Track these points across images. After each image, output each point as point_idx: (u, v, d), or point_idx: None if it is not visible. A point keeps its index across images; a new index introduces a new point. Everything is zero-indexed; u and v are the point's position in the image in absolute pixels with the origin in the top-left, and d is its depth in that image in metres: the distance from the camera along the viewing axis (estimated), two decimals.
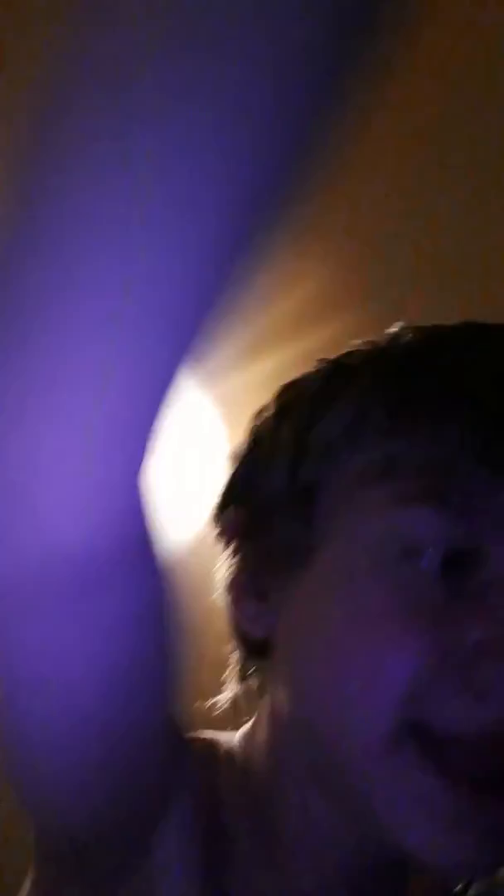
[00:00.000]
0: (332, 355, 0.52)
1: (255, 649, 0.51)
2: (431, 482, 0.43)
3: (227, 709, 0.55)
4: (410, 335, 0.49)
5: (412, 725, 0.42)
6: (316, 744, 0.46)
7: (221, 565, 0.53)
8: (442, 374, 0.45)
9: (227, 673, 0.55)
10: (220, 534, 0.53)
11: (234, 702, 0.54)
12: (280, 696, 0.49)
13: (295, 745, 0.48)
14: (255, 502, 0.50)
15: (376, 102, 0.28)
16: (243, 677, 0.53)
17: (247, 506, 0.51)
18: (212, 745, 0.53)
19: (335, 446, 0.46)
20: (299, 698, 0.47)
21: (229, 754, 0.52)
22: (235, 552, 0.52)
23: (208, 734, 0.54)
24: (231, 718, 0.55)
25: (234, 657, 0.54)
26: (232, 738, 0.54)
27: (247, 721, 0.54)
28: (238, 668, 0.53)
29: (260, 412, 0.52)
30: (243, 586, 0.51)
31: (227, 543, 0.53)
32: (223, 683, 0.55)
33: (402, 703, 0.42)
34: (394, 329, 0.50)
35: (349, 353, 0.51)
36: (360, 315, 1.22)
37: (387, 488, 0.44)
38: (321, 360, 0.51)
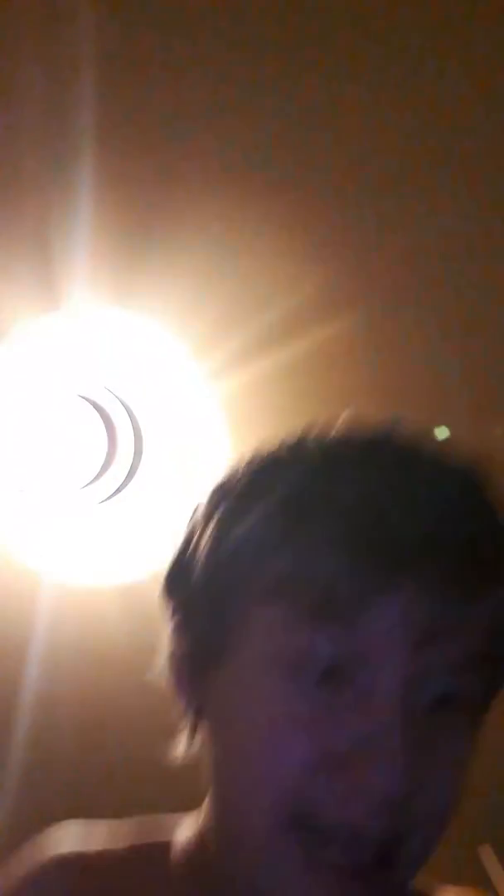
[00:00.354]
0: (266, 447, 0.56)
1: (193, 720, 0.57)
2: (314, 603, 0.48)
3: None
4: (317, 452, 0.54)
5: (294, 817, 0.48)
6: (226, 817, 0.53)
7: (164, 638, 0.58)
8: (332, 502, 0.50)
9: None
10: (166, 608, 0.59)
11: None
12: (207, 767, 0.55)
13: (219, 814, 0.55)
14: (186, 593, 0.56)
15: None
16: (189, 741, 0.58)
17: (182, 593, 0.57)
18: (163, 849, 0.58)
19: (241, 561, 0.51)
20: (215, 775, 0.54)
21: (185, 846, 0.58)
22: (175, 630, 0.57)
23: (163, 834, 0.59)
24: None
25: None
26: (189, 822, 0.59)
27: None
28: (185, 730, 0.59)
29: (199, 504, 0.57)
30: (179, 664, 0.56)
31: (170, 619, 0.58)
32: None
33: (284, 799, 0.48)
34: (306, 436, 0.56)
35: (271, 460, 0.55)
36: (359, 315, 1.22)
37: (277, 607, 0.50)
38: (249, 459, 0.56)
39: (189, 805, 0.61)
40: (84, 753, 1.30)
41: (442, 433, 1.30)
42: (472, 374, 1.27)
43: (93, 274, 1.17)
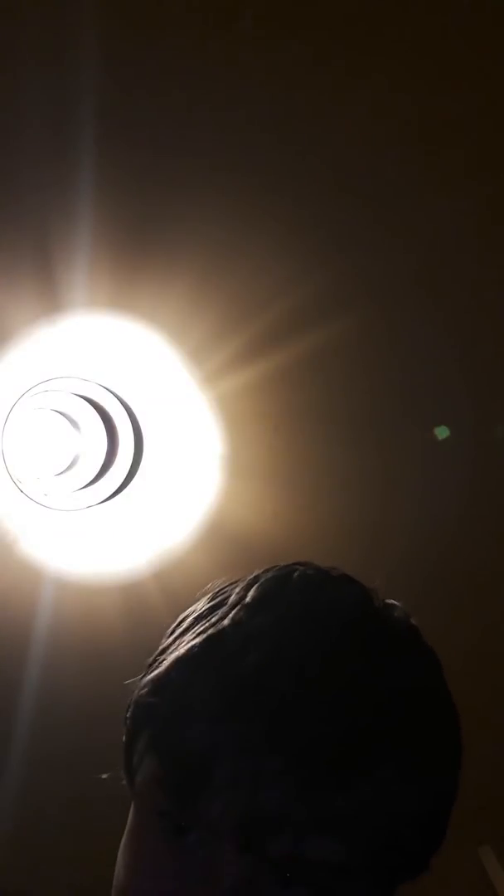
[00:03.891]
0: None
1: None
2: (168, 768, 0.51)
3: None
4: (226, 619, 0.54)
5: None
6: None
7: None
8: (221, 675, 0.51)
9: None
10: None
11: None
12: None
13: None
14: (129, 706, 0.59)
15: None
16: None
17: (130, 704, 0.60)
18: None
19: (145, 703, 0.55)
20: None
21: None
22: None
23: None
24: None
25: None
26: None
27: None
28: None
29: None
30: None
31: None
32: None
33: None
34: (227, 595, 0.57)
35: (199, 613, 0.57)
36: (359, 315, 1.22)
37: (154, 758, 0.53)
38: (197, 603, 0.59)
39: None
40: (85, 748, 1.31)
41: (442, 433, 1.31)
42: (472, 375, 1.27)
43: (92, 276, 1.17)
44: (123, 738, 0.56)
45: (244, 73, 1.09)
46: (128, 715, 0.56)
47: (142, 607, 1.27)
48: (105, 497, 1.25)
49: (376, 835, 0.47)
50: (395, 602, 0.56)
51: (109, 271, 1.17)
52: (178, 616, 0.59)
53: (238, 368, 1.23)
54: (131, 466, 1.24)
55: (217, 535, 1.26)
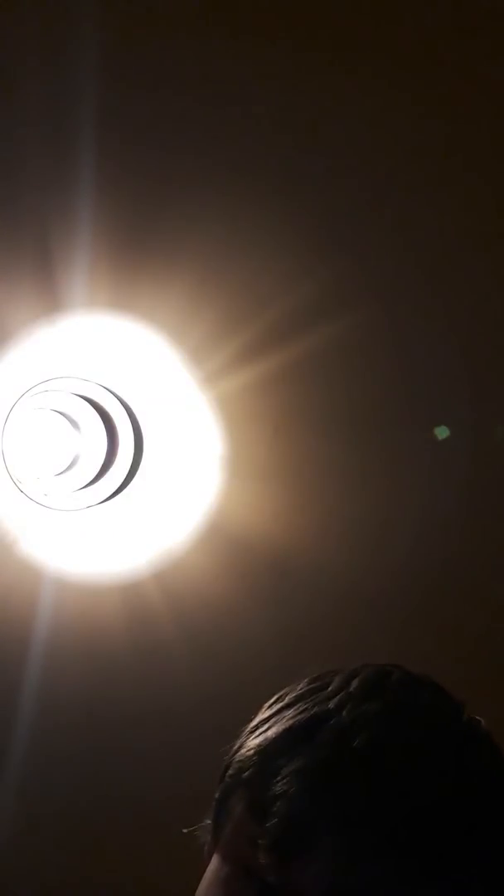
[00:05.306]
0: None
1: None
2: (264, 833, 0.54)
3: None
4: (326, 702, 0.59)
5: None
6: None
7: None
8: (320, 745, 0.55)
9: None
10: None
11: None
12: None
13: None
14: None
15: None
16: None
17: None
18: None
19: (246, 766, 0.59)
20: None
21: None
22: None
23: None
24: None
25: None
26: None
27: None
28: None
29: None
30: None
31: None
32: None
33: None
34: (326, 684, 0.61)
35: (298, 696, 0.61)
36: (360, 314, 1.22)
37: (249, 832, 0.55)
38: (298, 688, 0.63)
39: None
40: (85, 749, 1.31)
41: (442, 433, 1.31)
42: (473, 375, 1.27)
43: (92, 276, 1.17)
44: (217, 792, 0.60)
45: (244, 73, 1.09)
46: (228, 772, 0.59)
47: (142, 607, 1.26)
48: (105, 497, 1.25)
49: None
50: (480, 718, 0.62)
51: (109, 271, 1.17)
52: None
53: (238, 368, 1.23)
54: (131, 466, 1.24)
55: (217, 536, 1.26)
